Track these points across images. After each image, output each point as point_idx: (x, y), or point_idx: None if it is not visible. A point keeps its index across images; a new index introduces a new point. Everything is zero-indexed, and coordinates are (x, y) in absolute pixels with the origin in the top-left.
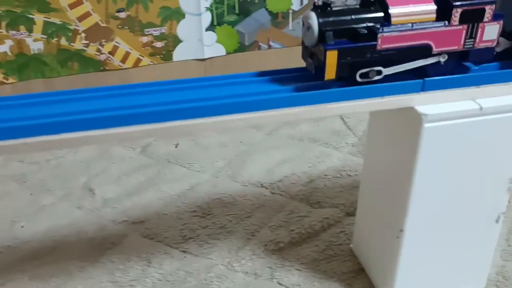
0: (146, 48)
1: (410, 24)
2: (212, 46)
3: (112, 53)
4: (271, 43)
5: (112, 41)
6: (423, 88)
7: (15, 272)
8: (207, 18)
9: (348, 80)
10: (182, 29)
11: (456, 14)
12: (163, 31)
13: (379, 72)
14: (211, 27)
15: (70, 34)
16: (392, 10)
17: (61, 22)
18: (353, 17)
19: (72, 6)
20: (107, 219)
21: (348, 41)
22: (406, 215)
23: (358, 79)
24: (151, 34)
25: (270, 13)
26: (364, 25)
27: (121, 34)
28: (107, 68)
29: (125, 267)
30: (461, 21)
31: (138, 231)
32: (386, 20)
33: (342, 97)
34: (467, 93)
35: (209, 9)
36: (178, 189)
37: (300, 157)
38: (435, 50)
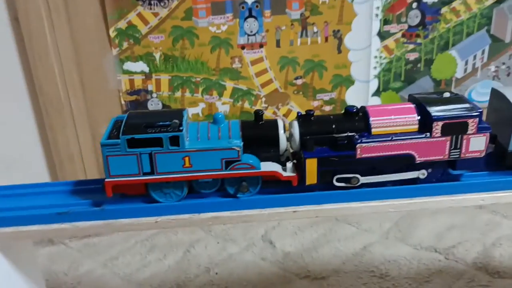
0: (316, 111)
1: (389, 135)
2: None
3: (286, 115)
4: None
5: (287, 105)
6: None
7: None
8: (374, 84)
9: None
10: (350, 94)
11: (437, 127)
12: (333, 96)
13: (358, 179)
14: (376, 93)
15: (252, 98)
16: (373, 121)
17: (246, 88)
18: (334, 126)
19: (258, 74)
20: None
21: (329, 150)
22: None
23: (335, 183)
24: (322, 99)
25: (434, 80)
26: (345, 135)
27: (295, 98)
28: None
29: None
30: (443, 134)
31: (322, 286)
32: (367, 130)
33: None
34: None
35: (377, 76)
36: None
37: (468, 223)
38: (418, 159)
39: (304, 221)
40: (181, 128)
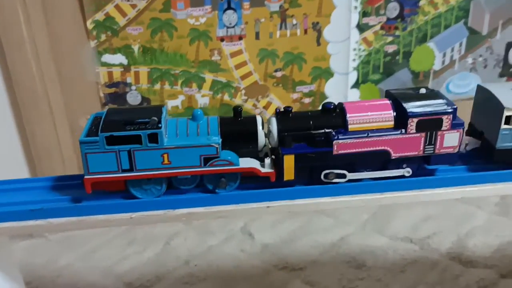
0: (295, 103)
1: (365, 131)
2: None
3: (266, 107)
4: None
5: (267, 97)
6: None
7: None
8: (353, 77)
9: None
10: (329, 86)
11: (412, 123)
12: (312, 88)
13: (344, 175)
14: (356, 85)
15: (232, 91)
16: (350, 117)
17: (226, 81)
18: (311, 123)
19: (237, 66)
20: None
21: (307, 146)
22: None
23: (323, 179)
24: (301, 91)
25: (412, 72)
26: (322, 131)
27: (275, 91)
28: None
29: None
30: (418, 130)
31: (299, 277)
32: (344, 127)
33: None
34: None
35: (356, 69)
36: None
37: (444, 214)
38: (393, 155)
39: (284, 213)
40: (159, 125)
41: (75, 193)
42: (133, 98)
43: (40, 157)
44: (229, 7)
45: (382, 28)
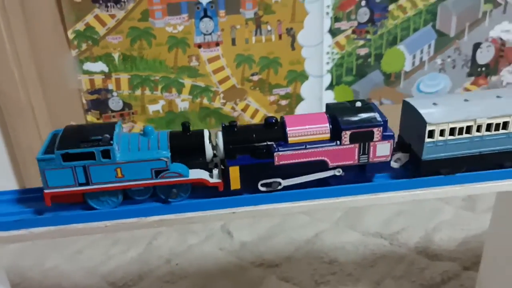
0: (272, 105)
1: (304, 143)
2: None
3: (244, 110)
4: (382, 100)
5: (244, 100)
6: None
7: None
8: (327, 79)
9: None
10: (304, 89)
11: (346, 136)
12: (288, 91)
13: (279, 183)
14: (330, 87)
15: (211, 95)
16: (289, 131)
17: (205, 85)
18: (254, 136)
19: (215, 71)
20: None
21: (250, 157)
22: None
23: (260, 188)
24: (278, 94)
25: (384, 73)
26: (264, 144)
27: (252, 94)
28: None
29: None
30: (352, 141)
31: (275, 274)
32: (284, 139)
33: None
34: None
35: (330, 71)
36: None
37: (414, 210)
38: (331, 164)
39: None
40: (111, 142)
41: (37, 205)
42: (115, 104)
43: (25, 163)
44: (205, 15)
45: (353, 32)
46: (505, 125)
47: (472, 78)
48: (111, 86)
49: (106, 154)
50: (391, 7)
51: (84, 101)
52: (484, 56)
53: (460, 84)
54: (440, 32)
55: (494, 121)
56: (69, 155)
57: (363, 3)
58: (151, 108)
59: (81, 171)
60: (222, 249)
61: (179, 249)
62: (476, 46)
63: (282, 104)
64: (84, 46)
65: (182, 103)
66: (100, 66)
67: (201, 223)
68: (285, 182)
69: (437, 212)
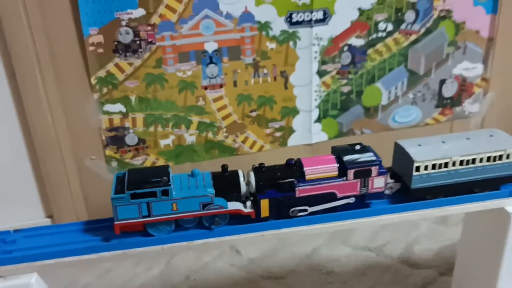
0: (268, 137)
1: (318, 180)
2: (317, 134)
3: (244, 141)
4: (363, 130)
5: (244, 133)
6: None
7: None
8: (315, 113)
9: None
10: (296, 122)
11: (350, 173)
12: (282, 124)
13: (305, 210)
14: (318, 120)
15: (215, 129)
16: (306, 170)
17: (210, 121)
18: (279, 174)
19: (219, 109)
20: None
21: (276, 192)
22: None
23: (290, 214)
24: (273, 127)
25: (364, 107)
26: (287, 180)
27: (251, 128)
28: (239, 153)
29: None
30: (355, 177)
31: (282, 285)
32: (302, 177)
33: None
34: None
35: (318, 106)
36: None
37: (396, 225)
38: (339, 195)
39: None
40: (169, 183)
41: (105, 233)
42: (130, 140)
43: (53, 192)
44: (211, 62)
45: (337, 73)
46: (473, 160)
47: (440, 109)
48: (127, 124)
49: (165, 192)
50: (370, 51)
51: (104, 138)
52: (449, 90)
53: (430, 114)
54: (411, 71)
55: (465, 158)
56: (136, 194)
57: (345, 48)
58: (162, 142)
59: (144, 206)
60: (233, 265)
61: (196, 266)
62: (442, 82)
63: (277, 136)
64: (105, 90)
65: (190, 137)
66: (119, 107)
67: (238, 244)
68: (310, 209)
69: (416, 226)
